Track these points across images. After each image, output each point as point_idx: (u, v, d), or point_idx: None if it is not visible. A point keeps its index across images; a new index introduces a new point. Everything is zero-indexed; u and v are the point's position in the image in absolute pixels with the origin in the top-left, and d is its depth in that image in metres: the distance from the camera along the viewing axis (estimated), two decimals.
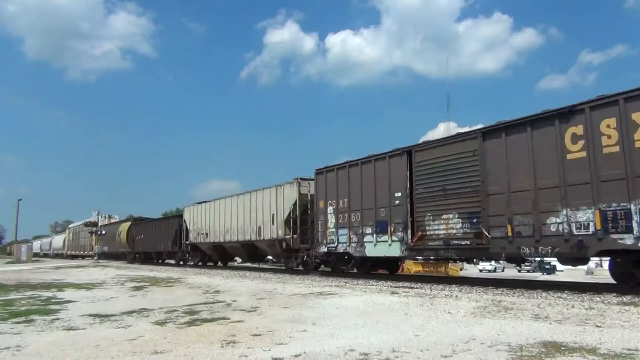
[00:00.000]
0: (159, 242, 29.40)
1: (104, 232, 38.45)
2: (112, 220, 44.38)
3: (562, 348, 4.34)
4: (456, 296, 8.72)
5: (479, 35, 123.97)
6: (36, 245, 74.42)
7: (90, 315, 7.50)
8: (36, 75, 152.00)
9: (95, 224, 39.44)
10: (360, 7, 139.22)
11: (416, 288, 10.41)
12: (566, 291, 9.03)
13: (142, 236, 32.00)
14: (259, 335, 5.42)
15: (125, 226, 35.05)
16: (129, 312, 7.70)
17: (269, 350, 4.65)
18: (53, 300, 9.86)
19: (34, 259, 46.80)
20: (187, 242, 25.73)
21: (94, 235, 39.12)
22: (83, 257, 46.40)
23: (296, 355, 4.40)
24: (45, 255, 64.31)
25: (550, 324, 5.64)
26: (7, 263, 38.77)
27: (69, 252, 52.22)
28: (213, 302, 8.73)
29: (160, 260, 32.07)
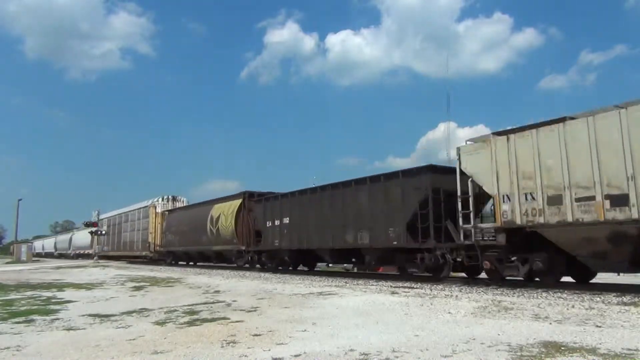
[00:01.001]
0: (349, 228, 14.26)
1: (104, 231, 37.83)
2: (179, 204, 30.11)
3: (562, 348, 4.34)
4: (456, 296, 8.72)
5: (480, 35, 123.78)
6: (48, 243, 67.10)
7: (90, 315, 7.50)
8: (36, 75, 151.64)
9: (95, 224, 38.38)
10: (361, 7, 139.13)
11: (416, 288, 10.40)
12: (566, 291, 9.02)
13: (285, 221, 17.34)
14: (259, 335, 5.42)
15: (229, 207, 20.66)
16: (129, 312, 7.70)
17: (269, 350, 4.65)
18: (53, 300, 9.86)
19: (34, 259, 46.71)
20: (497, 225, 10.14)
21: (94, 235, 38.41)
22: (135, 259, 32.62)
23: (296, 355, 4.39)
24: (63, 256, 53.86)
25: (551, 324, 5.64)
26: (7, 263, 38.78)
27: (105, 251, 37.57)
28: (213, 302, 8.73)
29: (331, 264, 18.55)
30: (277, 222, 17.84)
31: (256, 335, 5.42)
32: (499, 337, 4.90)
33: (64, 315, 7.63)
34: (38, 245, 71.27)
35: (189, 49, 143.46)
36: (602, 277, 10.97)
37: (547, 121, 9.53)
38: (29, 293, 11.60)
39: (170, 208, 29.59)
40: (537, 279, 10.18)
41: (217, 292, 10.77)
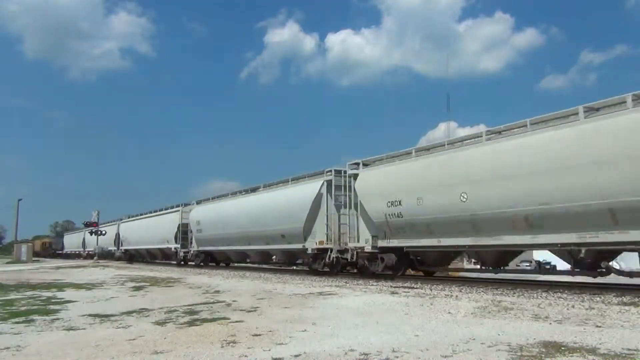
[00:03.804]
0: None
1: (104, 232, 37.44)
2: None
3: (562, 348, 4.34)
4: (456, 296, 8.72)
5: (480, 34, 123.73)
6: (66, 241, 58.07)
7: (90, 315, 7.50)
8: (36, 75, 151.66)
9: (95, 224, 37.81)
10: (361, 7, 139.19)
11: (416, 288, 10.40)
12: (566, 291, 9.02)
13: None
14: (259, 335, 5.41)
15: None
16: (129, 312, 7.69)
17: (269, 350, 4.65)
18: (53, 300, 9.85)
19: (33, 259, 46.59)
20: None
21: (94, 235, 37.90)
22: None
23: (296, 355, 4.39)
24: (85, 256, 44.97)
25: (551, 324, 5.64)
26: (7, 263, 38.76)
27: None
28: (213, 302, 8.73)
29: None
30: None
31: (256, 335, 5.42)
32: (499, 337, 4.90)
33: (64, 315, 7.63)
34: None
35: (189, 49, 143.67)
36: (602, 278, 10.94)
37: None
38: (29, 293, 11.59)
39: None
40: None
41: (217, 292, 10.77)
